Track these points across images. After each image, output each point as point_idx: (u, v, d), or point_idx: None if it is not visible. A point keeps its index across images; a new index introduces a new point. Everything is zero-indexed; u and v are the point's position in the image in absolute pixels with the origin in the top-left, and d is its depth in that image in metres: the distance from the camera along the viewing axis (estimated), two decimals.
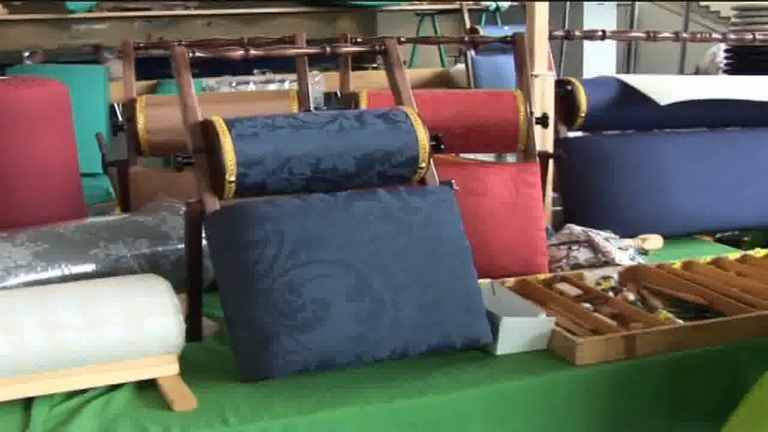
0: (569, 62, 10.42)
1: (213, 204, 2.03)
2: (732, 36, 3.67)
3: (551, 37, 3.19)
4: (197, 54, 2.11)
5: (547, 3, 3.03)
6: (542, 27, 3.04)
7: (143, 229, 2.38)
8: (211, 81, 5.64)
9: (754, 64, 5.82)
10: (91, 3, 4.80)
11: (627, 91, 3.26)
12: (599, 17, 13.56)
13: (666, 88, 3.27)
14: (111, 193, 3.78)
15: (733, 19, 7.90)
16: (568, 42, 5.11)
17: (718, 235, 3.51)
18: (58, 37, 7.93)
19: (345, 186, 2.11)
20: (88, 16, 7.23)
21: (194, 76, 2.15)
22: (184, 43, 2.93)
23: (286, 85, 5.68)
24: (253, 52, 2.21)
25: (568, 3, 11.13)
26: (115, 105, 5.20)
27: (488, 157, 3.58)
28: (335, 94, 5.42)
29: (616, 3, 13.73)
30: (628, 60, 10.71)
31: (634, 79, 3.31)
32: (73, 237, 2.31)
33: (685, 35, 3.51)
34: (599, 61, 12.00)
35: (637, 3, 10.46)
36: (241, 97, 3.57)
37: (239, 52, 2.20)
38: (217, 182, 2.02)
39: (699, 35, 3.57)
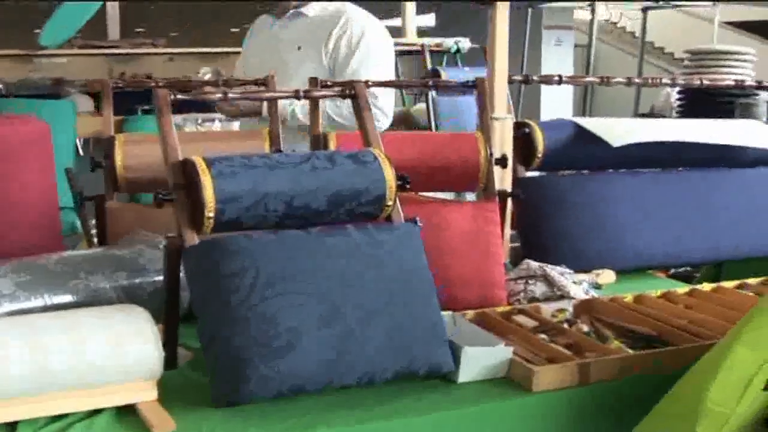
0: (528, 102, 10.66)
1: (192, 238, 2.14)
2: (680, 81, 3.85)
3: (510, 82, 3.34)
4: (178, 96, 2.23)
5: (506, 50, 3.18)
6: (502, 72, 3.18)
7: (121, 262, 2.49)
8: (177, 118, 5.74)
9: (705, 105, 6.07)
10: (64, 39, 4.91)
11: (581, 133, 3.40)
12: (557, 58, 13.85)
13: (618, 131, 3.42)
14: (77, 227, 3.84)
15: (686, 62, 8.20)
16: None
17: (672, 271, 3.66)
18: (20, 70, 7.97)
19: (317, 222, 2.23)
20: (54, 52, 7.29)
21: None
22: (161, 83, 3.05)
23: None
24: (230, 95, 2.33)
25: (526, 44, 11.38)
26: (77, 140, 5.25)
27: (448, 195, 3.70)
28: None
29: (573, 44, 14.01)
30: (585, 100, 10.97)
31: (588, 122, 3.46)
32: (55, 269, 2.41)
33: (636, 80, 3.70)
34: (557, 101, 12.25)
35: (594, 42, 10.73)
36: (217, 136, 3.70)
37: (218, 95, 2.33)
38: (195, 217, 2.14)
39: (650, 80, 3.76)
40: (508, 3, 3.06)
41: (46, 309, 2.31)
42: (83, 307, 2.30)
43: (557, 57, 13.81)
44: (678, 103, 7.57)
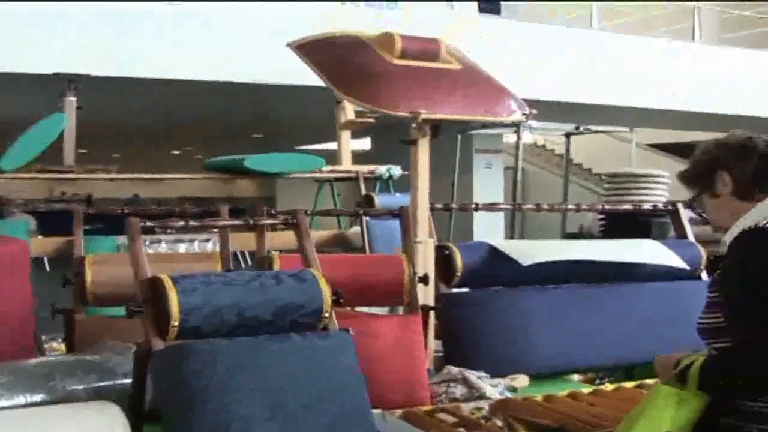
0: (461, 225, 11.13)
1: (158, 344, 2.53)
2: (584, 207, 4.34)
3: (432, 209, 3.79)
4: (148, 224, 2.64)
5: (427, 183, 3.64)
6: (423, 202, 3.64)
7: (92, 366, 2.86)
8: (125, 239, 6.05)
9: (624, 225, 6.57)
10: (23, 164, 5.30)
11: (496, 253, 3.85)
12: (488, 181, 14.40)
13: (529, 251, 3.88)
14: None
15: (605, 185, 8.75)
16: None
17: (597, 382, 4.05)
18: None
19: (264, 331, 2.64)
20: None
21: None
22: (126, 210, 3.47)
23: (196, 246, 6.11)
24: (192, 223, 2.77)
25: (457, 169, 11.95)
26: None
27: (383, 310, 4.10)
28: (241, 252, 5.82)
29: (503, 167, 14.59)
30: (513, 221, 11.49)
31: (502, 244, 3.92)
32: (34, 371, 2.77)
33: (544, 206, 4.18)
34: (489, 222, 12.74)
35: (520, 167, 11.31)
36: (177, 257, 4.10)
37: (180, 223, 2.75)
38: (161, 326, 2.53)
39: (556, 206, 4.25)
40: (428, 143, 3.53)
41: (26, 406, 2.65)
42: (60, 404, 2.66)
43: (488, 180, 14.37)
44: (600, 224, 8.12)
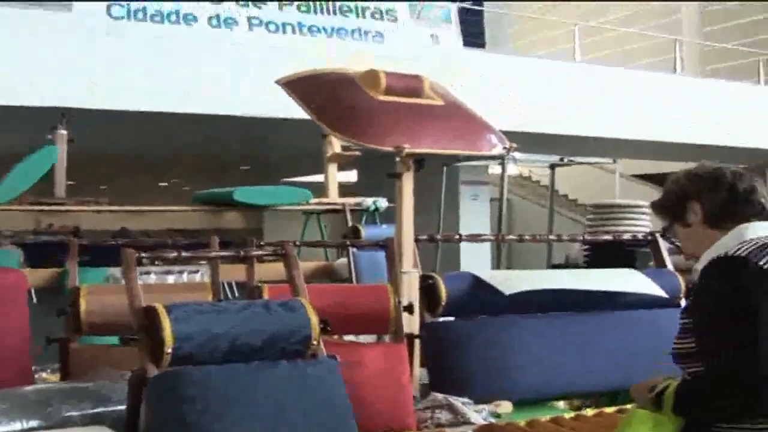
0: (448, 255, 11.22)
1: (153, 370, 2.62)
2: (566, 237, 4.46)
3: (417, 240, 3.89)
4: (142, 255, 2.74)
5: (412, 215, 3.74)
6: (408, 234, 3.74)
7: (88, 393, 2.95)
8: (117, 272, 6.13)
9: (609, 255, 6.68)
10: (13, 197, 5.38)
11: (479, 283, 3.94)
12: (474, 212, 14.48)
13: (511, 281, 3.97)
14: None
15: (589, 215, 8.84)
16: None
17: (583, 410, 4.13)
18: None
19: (255, 357, 2.74)
20: None
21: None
22: (119, 241, 3.57)
23: (184, 276, 6.19)
24: (184, 254, 2.86)
25: (443, 201, 12.06)
26: None
27: (369, 338, 4.19)
28: (228, 283, 5.89)
29: (489, 198, 14.68)
30: (499, 252, 11.60)
31: (485, 273, 4.01)
32: (30, 398, 2.86)
33: (527, 237, 4.29)
34: (476, 252, 12.84)
35: (505, 198, 11.44)
36: (169, 288, 4.20)
37: (174, 254, 2.85)
38: (156, 353, 2.62)
39: (539, 236, 4.36)
40: (412, 176, 3.64)
41: None
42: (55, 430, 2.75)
43: (474, 211, 14.48)
44: (584, 254, 8.20)
